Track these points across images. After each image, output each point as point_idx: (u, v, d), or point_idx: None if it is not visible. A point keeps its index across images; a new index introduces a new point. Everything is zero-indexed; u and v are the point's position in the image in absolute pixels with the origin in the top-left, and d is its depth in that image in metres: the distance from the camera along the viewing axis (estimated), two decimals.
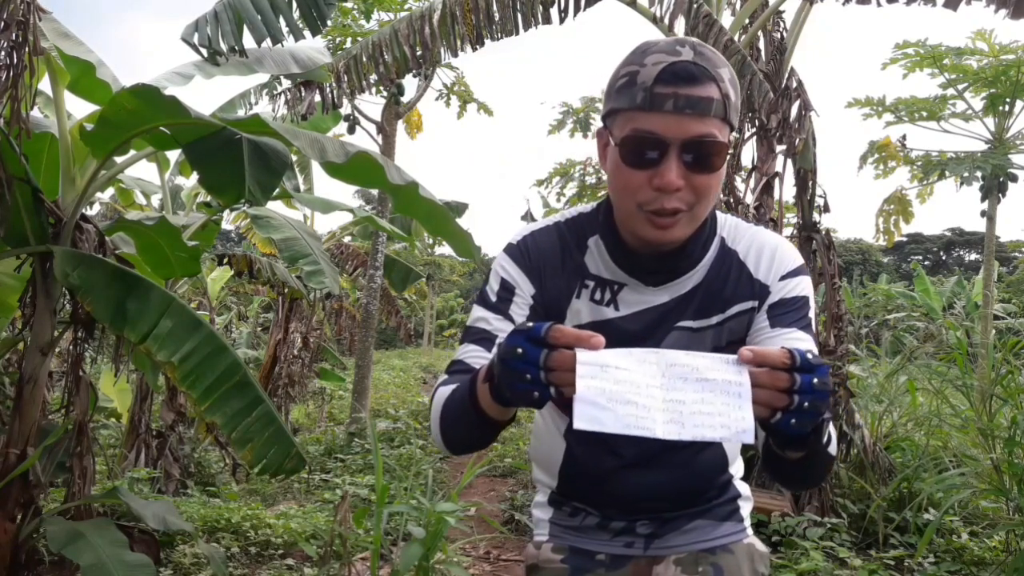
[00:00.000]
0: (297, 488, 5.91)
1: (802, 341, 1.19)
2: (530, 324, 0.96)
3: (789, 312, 1.23)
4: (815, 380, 0.90)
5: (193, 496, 5.15)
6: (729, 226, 1.29)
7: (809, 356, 0.91)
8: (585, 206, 1.33)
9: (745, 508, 1.40)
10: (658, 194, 1.11)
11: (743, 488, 1.40)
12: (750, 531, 1.40)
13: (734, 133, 1.20)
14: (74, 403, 3.18)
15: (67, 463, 3.17)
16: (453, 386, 1.19)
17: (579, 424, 0.89)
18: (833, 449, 1.10)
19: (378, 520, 3.18)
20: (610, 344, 1.26)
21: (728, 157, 1.15)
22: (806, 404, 0.89)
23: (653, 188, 1.11)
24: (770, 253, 1.26)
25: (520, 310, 1.26)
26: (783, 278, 1.25)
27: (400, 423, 8.72)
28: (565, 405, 0.95)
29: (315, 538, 4.30)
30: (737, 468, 1.39)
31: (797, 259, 1.27)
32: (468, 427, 1.15)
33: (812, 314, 1.24)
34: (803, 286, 1.25)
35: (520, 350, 0.94)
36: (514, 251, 1.29)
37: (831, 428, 1.08)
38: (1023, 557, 3.47)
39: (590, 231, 1.29)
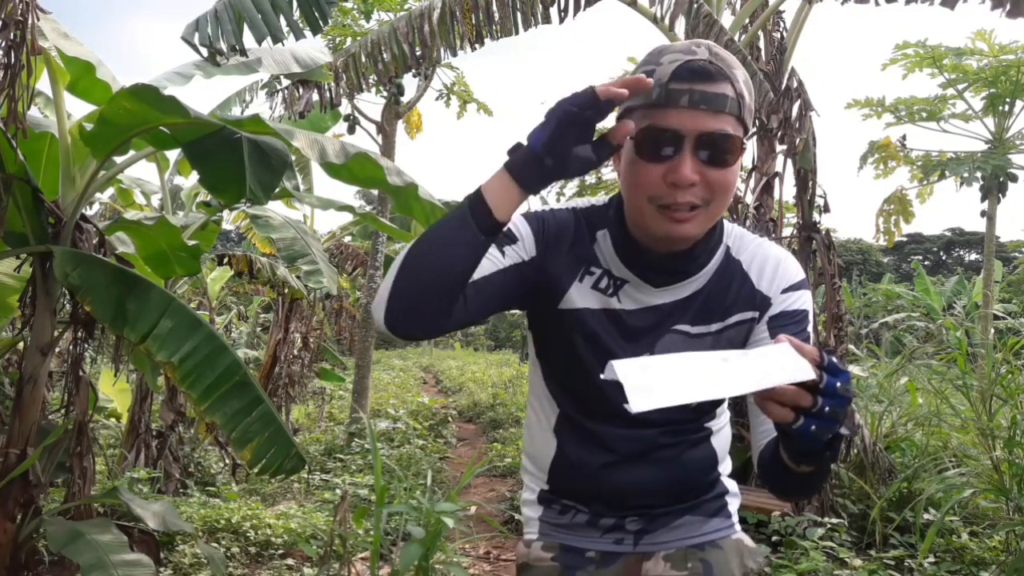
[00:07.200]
0: (297, 488, 5.91)
1: None
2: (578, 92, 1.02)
3: (789, 325, 1.24)
4: (839, 384, 0.89)
5: (193, 496, 5.15)
6: (735, 235, 1.30)
7: (835, 360, 0.91)
8: (597, 199, 1.33)
9: (733, 504, 1.41)
10: (672, 189, 1.12)
11: (731, 485, 1.42)
12: (738, 527, 1.41)
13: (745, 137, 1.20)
14: (74, 403, 3.18)
15: (67, 463, 3.18)
16: None
17: (635, 407, 0.81)
18: (835, 463, 1.11)
19: (378, 520, 3.18)
20: (613, 333, 1.27)
21: (741, 156, 1.16)
22: (827, 409, 0.89)
23: (667, 183, 1.12)
24: (773, 265, 1.27)
25: (512, 256, 1.23)
26: (785, 291, 1.26)
27: (400, 423, 8.72)
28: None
29: (315, 538, 4.30)
30: (726, 466, 1.40)
31: (799, 273, 1.29)
32: (446, 246, 1.08)
33: (811, 328, 1.26)
34: (804, 300, 1.27)
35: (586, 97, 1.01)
36: (531, 216, 1.29)
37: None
38: (1023, 557, 3.47)
39: (600, 224, 1.29)
